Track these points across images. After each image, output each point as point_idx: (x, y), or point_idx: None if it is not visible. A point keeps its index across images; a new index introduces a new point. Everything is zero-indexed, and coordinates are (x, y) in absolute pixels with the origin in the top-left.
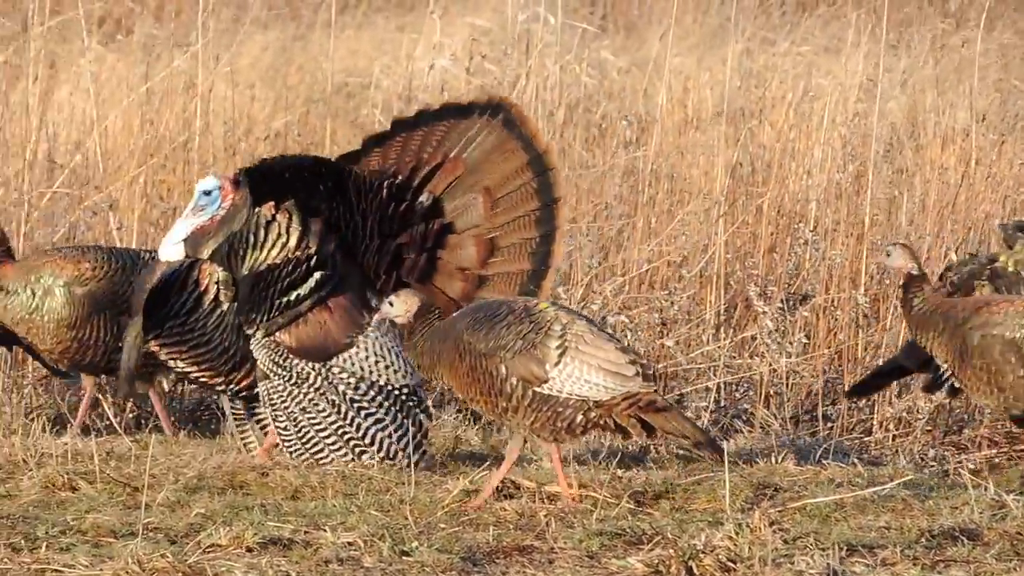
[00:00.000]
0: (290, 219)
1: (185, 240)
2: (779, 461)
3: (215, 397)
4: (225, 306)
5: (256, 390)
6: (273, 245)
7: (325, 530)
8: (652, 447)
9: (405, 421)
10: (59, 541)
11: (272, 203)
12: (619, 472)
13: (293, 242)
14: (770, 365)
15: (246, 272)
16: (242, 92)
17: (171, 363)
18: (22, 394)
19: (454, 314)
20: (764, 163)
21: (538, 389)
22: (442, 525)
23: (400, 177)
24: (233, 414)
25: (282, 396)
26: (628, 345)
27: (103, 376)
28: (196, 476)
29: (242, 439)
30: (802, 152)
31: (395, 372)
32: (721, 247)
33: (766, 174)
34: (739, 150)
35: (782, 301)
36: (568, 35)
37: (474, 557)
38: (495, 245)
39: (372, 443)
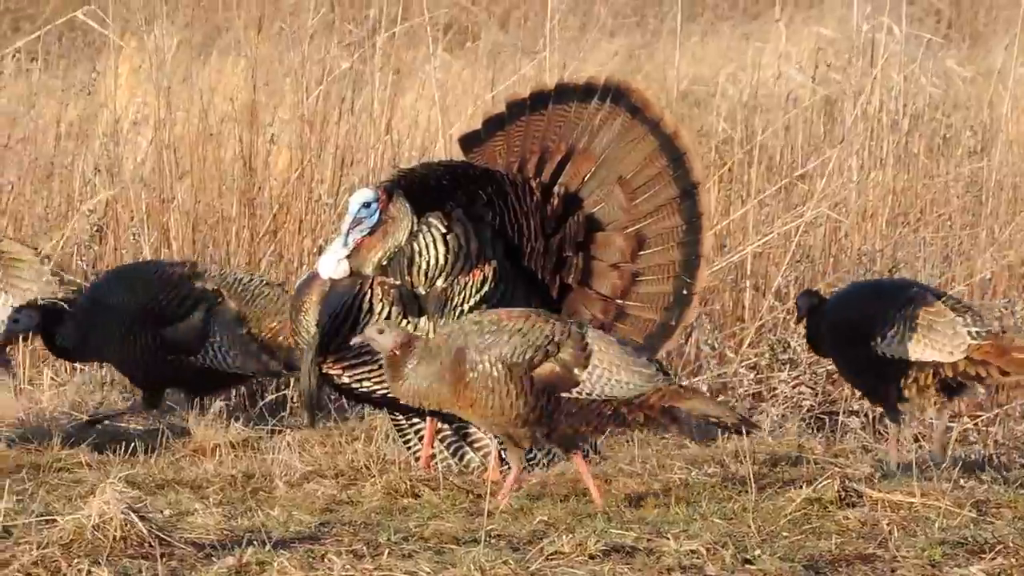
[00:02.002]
0: (465, 230)
1: (348, 256)
2: None
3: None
4: (421, 322)
5: None
6: (457, 258)
7: (668, 538)
8: (995, 456)
9: None
10: (401, 548)
11: (440, 213)
12: (961, 481)
13: (474, 254)
14: None
15: (427, 288)
16: None
17: (355, 386)
18: None
19: (442, 332)
20: None
21: (566, 394)
22: (784, 533)
23: (533, 170)
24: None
25: None
26: (639, 345)
27: None
28: (539, 483)
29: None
30: None
31: None
32: None
33: None
34: None
35: None
36: (912, 45)
37: (816, 565)
38: (642, 237)
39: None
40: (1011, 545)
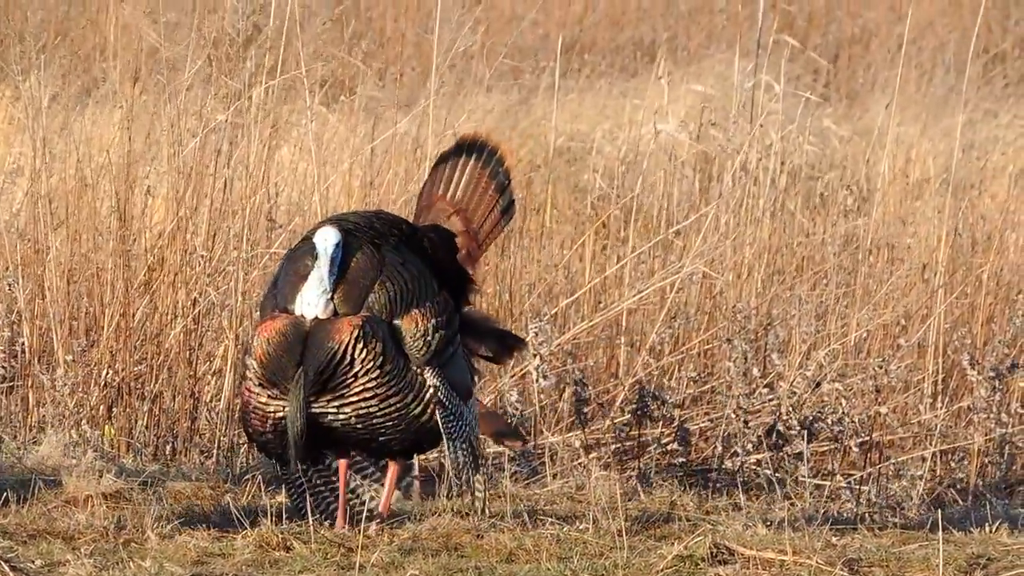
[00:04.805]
0: (416, 263)
1: (332, 297)
2: (993, 531)
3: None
4: (412, 350)
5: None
6: (423, 286)
7: None
8: (868, 515)
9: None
10: None
11: (391, 248)
12: (834, 539)
13: (431, 283)
14: (985, 435)
15: (400, 317)
16: None
17: (348, 422)
18: (237, 453)
19: None
20: (984, 234)
21: None
22: None
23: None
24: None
25: (453, 424)
26: None
27: None
28: (411, 537)
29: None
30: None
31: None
32: (940, 317)
33: (986, 245)
34: (960, 220)
35: (994, 370)
36: (790, 103)
37: None
38: (475, 222)
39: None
40: None
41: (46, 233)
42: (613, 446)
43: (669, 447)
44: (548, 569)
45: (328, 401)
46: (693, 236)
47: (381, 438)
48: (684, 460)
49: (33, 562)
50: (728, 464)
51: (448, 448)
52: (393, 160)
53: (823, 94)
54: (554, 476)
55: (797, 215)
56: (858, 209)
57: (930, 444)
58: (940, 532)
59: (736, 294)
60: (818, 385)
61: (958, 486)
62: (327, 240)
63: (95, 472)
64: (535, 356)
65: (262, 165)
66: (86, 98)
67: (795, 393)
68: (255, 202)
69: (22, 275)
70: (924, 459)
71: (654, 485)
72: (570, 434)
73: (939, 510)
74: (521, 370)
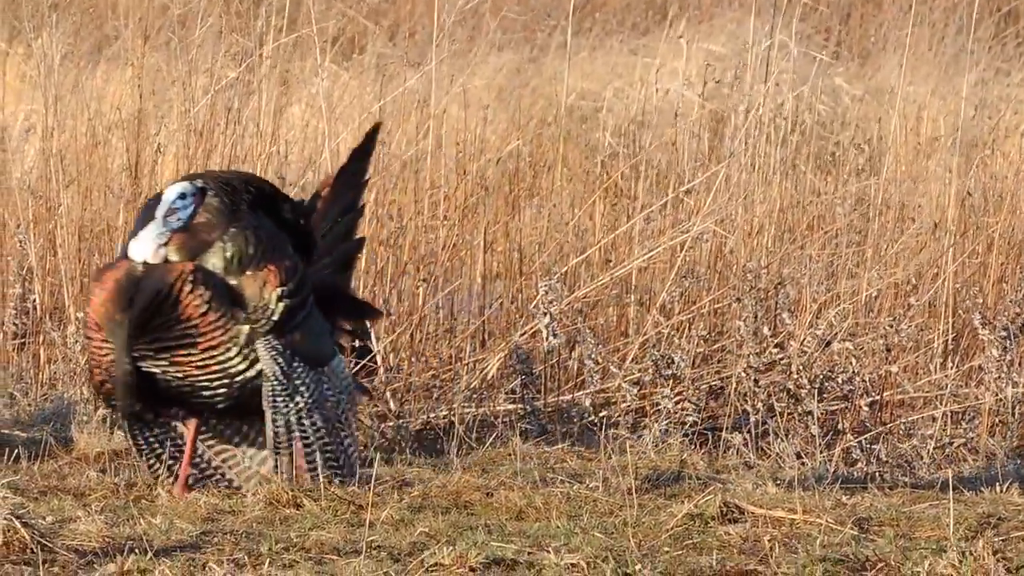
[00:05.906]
0: (269, 230)
1: (166, 244)
2: (1004, 491)
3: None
4: (240, 313)
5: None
6: (268, 250)
7: (548, 551)
8: (878, 474)
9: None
10: (282, 558)
11: (248, 211)
12: (844, 498)
13: (282, 249)
14: (996, 394)
15: (237, 277)
16: (474, 113)
17: (162, 371)
18: None
19: None
20: (996, 193)
21: None
22: (665, 548)
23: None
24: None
25: (283, 400)
26: None
27: None
28: (420, 495)
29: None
30: None
31: (351, 384)
32: (950, 276)
33: (997, 204)
34: (971, 179)
35: (1005, 329)
36: (802, 62)
37: None
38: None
39: (346, 462)
40: (892, 563)
41: (58, 190)
42: (623, 405)
43: (679, 406)
44: (558, 527)
45: (148, 343)
46: (704, 195)
47: (204, 393)
48: (694, 419)
49: (44, 518)
50: (738, 423)
51: (268, 421)
52: (402, 117)
53: (834, 53)
54: (564, 434)
55: (808, 174)
56: (869, 168)
57: (941, 403)
58: (951, 491)
59: (747, 253)
60: (828, 344)
61: (969, 446)
62: (171, 190)
63: (106, 429)
64: (545, 315)
65: (273, 122)
66: (98, 55)
67: (805, 352)
68: (266, 159)
69: (34, 232)
70: (935, 418)
71: (664, 444)
72: (580, 392)
73: (949, 469)
74: (531, 328)
